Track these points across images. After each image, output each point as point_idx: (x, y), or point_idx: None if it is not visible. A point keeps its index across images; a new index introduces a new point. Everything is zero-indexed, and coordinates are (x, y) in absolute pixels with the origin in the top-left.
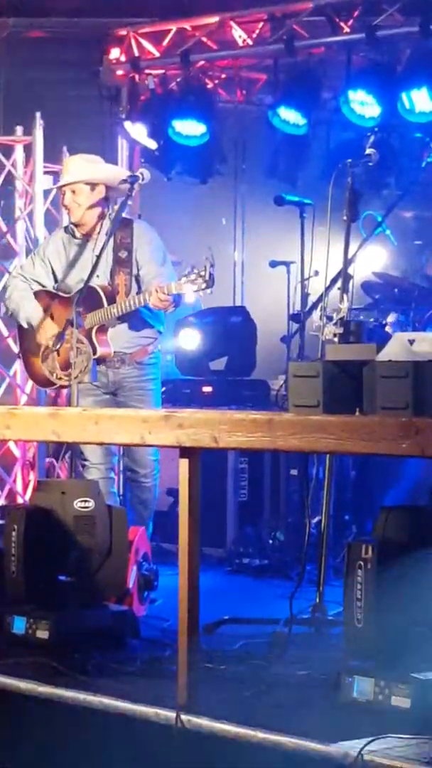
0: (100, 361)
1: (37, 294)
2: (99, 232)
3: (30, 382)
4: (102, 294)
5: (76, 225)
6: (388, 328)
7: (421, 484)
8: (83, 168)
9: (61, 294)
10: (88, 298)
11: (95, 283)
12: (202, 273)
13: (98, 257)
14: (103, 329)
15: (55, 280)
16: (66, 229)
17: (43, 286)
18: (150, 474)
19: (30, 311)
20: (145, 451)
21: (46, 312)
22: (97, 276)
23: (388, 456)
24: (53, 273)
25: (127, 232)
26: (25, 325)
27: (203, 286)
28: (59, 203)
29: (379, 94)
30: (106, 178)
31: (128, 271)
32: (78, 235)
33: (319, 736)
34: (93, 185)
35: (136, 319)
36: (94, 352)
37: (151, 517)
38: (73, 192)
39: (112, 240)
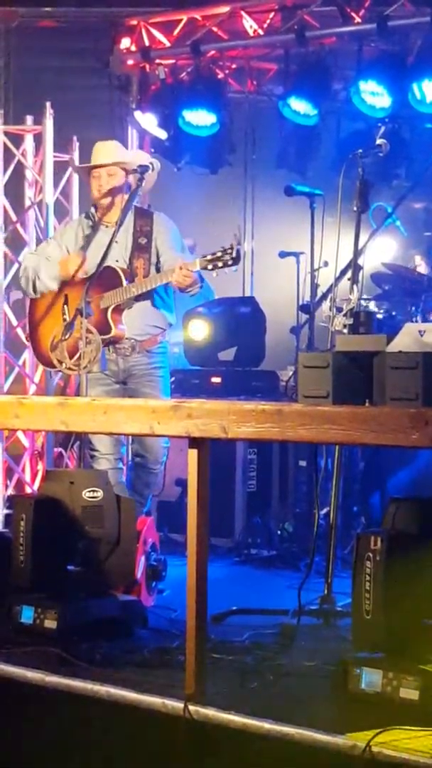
0: (113, 342)
1: None
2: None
3: (39, 371)
4: (121, 274)
5: (104, 209)
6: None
7: (428, 474)
8: (119, 151)
9: (76, 277)
10: (107, 279)
11: (115, 264)
12: (229, 249)
13: (111, 240)
14: (118, 309)
15: None
16: (87, 215)
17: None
18: (160, 460)
19: (47, 279)
20: (157, 438)
21: (60, 293)
22: (116, 261)
23: (397, 447)
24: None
25: (147, 221)
26: (38, 293)
27: (229, 262)
28: (86, 188)
29: (390, 84)
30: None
31: (147, 257)
32: (98, 219)
33: (326, 727)
34: (125, 170)
35: (150, 308)
36: (109, 331)
37: (150, 496)
38: (110, 175)
39: (132, 227)
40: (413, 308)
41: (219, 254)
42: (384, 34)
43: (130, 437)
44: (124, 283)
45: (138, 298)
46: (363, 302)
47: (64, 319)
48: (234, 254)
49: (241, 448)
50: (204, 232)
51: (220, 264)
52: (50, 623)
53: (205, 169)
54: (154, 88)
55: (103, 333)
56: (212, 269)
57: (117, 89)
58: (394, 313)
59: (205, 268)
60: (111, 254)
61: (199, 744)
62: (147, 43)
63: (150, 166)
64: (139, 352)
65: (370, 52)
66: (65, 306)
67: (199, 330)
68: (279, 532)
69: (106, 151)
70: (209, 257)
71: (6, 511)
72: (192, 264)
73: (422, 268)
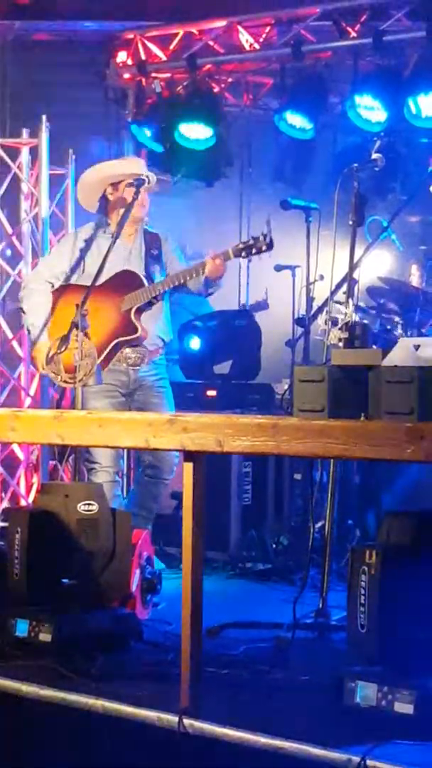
0: (137, 342)
1: (67, 288)
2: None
3: (34, 384)
4: (141, 275)
5: (128, 222)
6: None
7: (423, 487)
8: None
9: (86, 284)
10: (126, 281)
11: (132, 268)
12: (261, 236)
13: (110, 247)
14: (139, 311)
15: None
16: (99, 225)
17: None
18: (173, 470)
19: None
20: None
21: (69, 298)
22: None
23: (392, 461)
24: (83, 265)
25: (154, 235)
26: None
27: (263, 248)
28: (112, 204)
29: (386, 99)
30: None
31: (160, 265)
32: (112, 231)
33: (321, 741)
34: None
35: (161, 319)
36: (135, 331)
37: (156, 510)
38: (146, 190)
39: (143, 240)
40: (408, 322)
41: (251, 242)
42: (380, 48)
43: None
44: (146, 283)
45: (154, 300)
46: (357, 315)
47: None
48: (267, 240)
49: (236, 461)
50: (199, 246)
51: (253, 251)
52: (45, 636)
53: (201, 182)
54: (151, 101)
55: (129, 334)
56: (245, 256)
57: (113, 103)
58: (389, 327)
59: (239, 256)
60: (129, 264)
61: (194, 758)
62: (143, 56)
63: (146, 179)
64: (147, 363)
65: (366, 67)
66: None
67: (195, 343)
68: (274, 545)
69: (141, 166)
70: (241, 245)
71: (1, 524)
72: (225, 253)
73: (415, 279)
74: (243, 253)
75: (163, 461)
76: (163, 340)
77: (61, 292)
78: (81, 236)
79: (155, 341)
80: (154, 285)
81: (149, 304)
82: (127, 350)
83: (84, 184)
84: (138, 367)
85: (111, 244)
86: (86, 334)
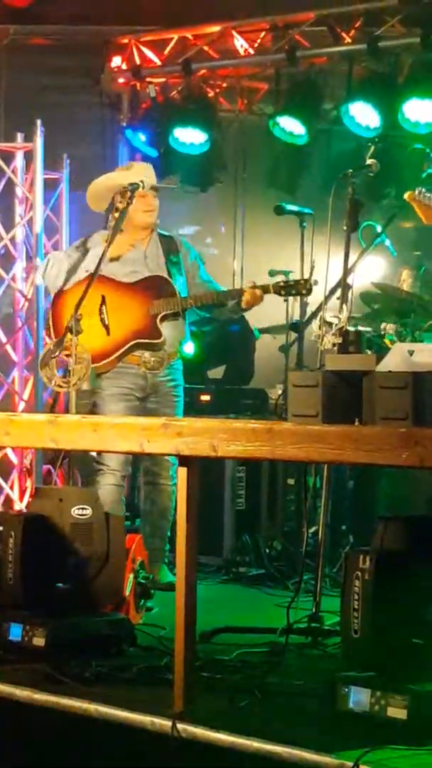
0: (157, 347)
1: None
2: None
3: (28, 388)
4: (174, 286)
5: (138, 228)
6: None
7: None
8: None
9: (117, 279)
10: (156, 287)
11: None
12: (303, 281)
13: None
14: (165, 317)
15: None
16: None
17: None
18: (170, 474)
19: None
20: None
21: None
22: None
23: (387, 467)
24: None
25: (170, 240)
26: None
27: (303, 291)
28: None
29: (380, 104)
30: None
31: (180, 274)
32: (124, 237)
33: (314, 746)
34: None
35: (181, 323)
36: (159, 336)
37: (168, 530)
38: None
39: (158, 244)
40: (403, 328)
41: (293, 283)
42: (374, 54)
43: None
44: (178, 293)
45: (181, 311)
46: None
47: (102, 320)
48: (308, 287)
49: (230, 466)
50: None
51: (293, 291)
52: (39, 641)
53: (196, 187)
54: (145, 106)
55: (151, 338)
56: (284, 295)
57: (108, 107)
58: (383, 333)
59: (278, 293)
60: (147, 268)
61: (187, 762)
62: (138, 61)
63: (140, 183)
64: (165, 367)
65: (361, 72)
66: (103, 306)
67: (189, 348)
68: (268, 550)
69: (151, 173)
70: (282, 284)
71: None
72: (265, 287)
73: (407, 284)
74: (282, 292)
75: (161, 464)
76: (179, 344)
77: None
78: (95, 239)
79: (174, 345)
80: (186, 299)
81: (175, 315)
82: (146, 354)
83: (92, 193)
84: (156, 372)
85: (105, 249)
86: (106, 327)
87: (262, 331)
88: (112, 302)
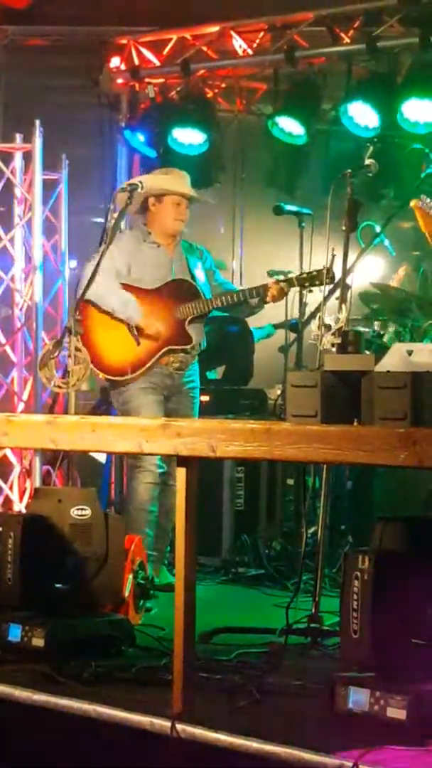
0: (188, 350)
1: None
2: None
3: (27, 389)
4: (198, 289)
5: (166, 234)
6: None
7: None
8: None
9: (146, 288)
10: (181, 291)
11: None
12: (323, 269)
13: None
14: (192, 321)
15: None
16: (140, 233)
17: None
18: None
19: (125, 297)
20: None
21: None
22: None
23: (385, 466)
24: (129, 270)
25: (195, 249)
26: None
27: (326, 281)
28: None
29: (379, 104)
30: None
31: (204, 280)
32: (152, 240)
33: (314, 746)
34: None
35: (203, 329)
36: (190, 341)
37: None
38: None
39: (183, 252)
40: (402, 328)
41: (315, 273)
42: (373, 54)
43: None
44: (202, 295)
45: (207, 313)
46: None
47: (130, 329)
48: (331, 275)
49: (229, 466)
50: None
51: (317, 282)
52: (38, 641)
53: (194, 187)
54: (144, 106)
55: (182, 343)
56: (307, 286)
57: (106, 108)
58: (382, 333)
59: (302, 286)
60: (175, 274)
61: (187, 763)
62: (137, 61)
63: (139, 184)
64: (189, 367)
65: (359, 72)
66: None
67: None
68: (267, 550)
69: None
70: (305, 275)
71: None
72: (289, 280)
73: (396, 281)
74: (306, 284)
75: (174, 464)
76: (200, 347)
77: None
78: (126, 241)
79: (196, 348)
80: (210, 300)
81: (201, 317)
82: (173, 355)
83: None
84: (181, 373)
85: (104, 249)
86: (135, 337)
87: (277, 326)
88: (153, 313)
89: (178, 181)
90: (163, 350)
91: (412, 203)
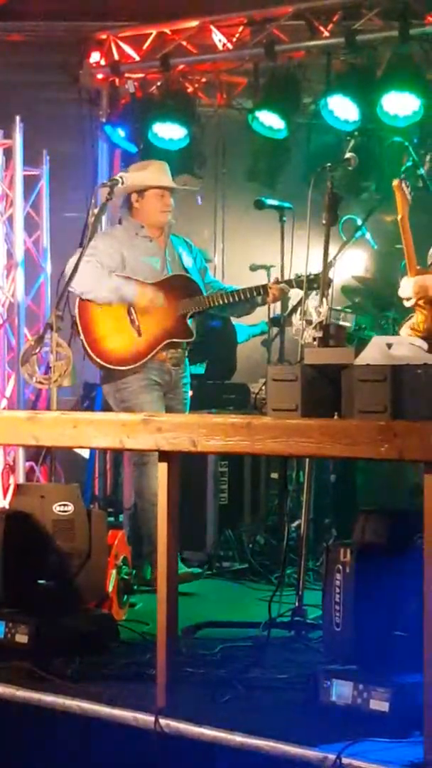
0: (185, 345)
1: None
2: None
3: (10, 385)
4: (198, 284)
5: (155, 226)
6: None
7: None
8: None
9: (141, 280)
10: (184, 286)
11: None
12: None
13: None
14: (192, 316)
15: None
16: (132, 227)
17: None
18: None
19: (115, 283)
20: None
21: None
22: (170, 272)
23: (366, 459)
24: (123, 262)
25: (184, 241)
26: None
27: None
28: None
29: (359, 98)
30: None
31: (196, 274)
32: (145, 234)
33: (297, 739)
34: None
35: (195, 322)
36: (191, 335)
37: None
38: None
39: (172, 245)
40: (383, 321)
41: (313, 277)
42: (352, 47)
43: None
44: (203, 291)
45: (207, 309)
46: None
47: (132, 321)
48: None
49: (212, 461)
50: None
51: (315, 285)
52: (21, 638)
53: (175, 173)
54: (124, 101)
55: (184, 337)
56: (305, 288)
57: (87, 103)
58: (363, 326)
59: (300, 287)
60: (166, 267)
61: (171, 757)
62: (116, 57)
63: (120, 180)
64: (183, 363)
65: (339, 66)
66: (131, 308)
67: None
68: (250, 544)
69: (168, 172)
70: (303, 277)
71: None
72: (289, 281)
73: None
74: (305, 286)
75: None
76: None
77: None
78: (119, 236)
79: (191, 344)
80: (212, 297)
81: (199, 313)
82: (171, 350)
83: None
84: (178, 368)
85: (85, 245)
86: (137, 329)
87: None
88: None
89: (158, 174)
90: (164, 343)
91: (395, 182)
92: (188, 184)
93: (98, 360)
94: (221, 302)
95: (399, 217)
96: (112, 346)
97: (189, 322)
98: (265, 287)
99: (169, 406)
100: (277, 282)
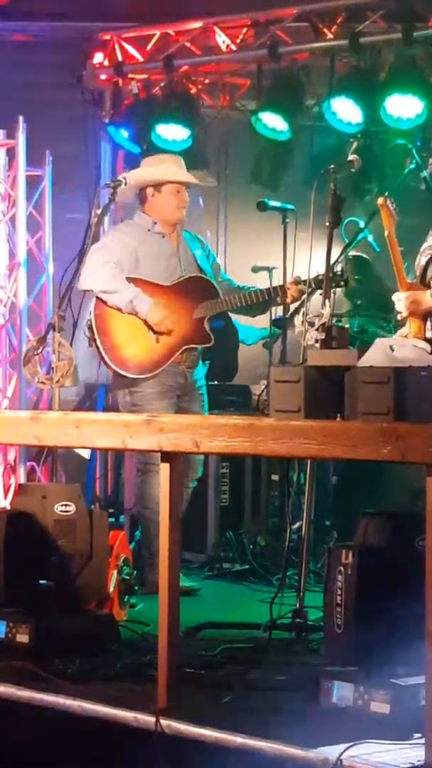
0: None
1: (134, 281)
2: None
3: (12, 385)
4: (216, 286)
5: (168, 223)
6: None
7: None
8: None
9: (156, 282)
10: (202, 288)
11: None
12: (339, 273)
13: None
14: (209, 320)
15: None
16: (144, 223)
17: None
18: (196, 476)
19: (130, 295)
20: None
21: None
22: (184, 270)
23: (369, 461)
24: (137, 260)
25: (196, 239)
26: (124, 308)
27: (341, 283)
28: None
29: (362, 100)
30: None
31: (209, 273)
32: (158, 230)
33: (298, 741)
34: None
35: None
36: (209, 340)
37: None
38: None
39: (185, 243)
40: (386, 323)
41: (331, 275)
42: (356, 50)
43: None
44: (220, 294)
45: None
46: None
47: (150, 327)
48: (345, 277)
49: (214, 462)
50: None
51: (332, 284)
52: (22, 638)
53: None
54: (127, 102)
55: (202, 342)
56: (322, 289)
57: (90, 104)
58: (366, 328)
59: (319, 288)
60: (180, 266)
61: (171, 758)
62: (120, 57)
63: (123, 180)
64: (198, 364)
65: (343, 68)
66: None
67: None
68: (251, 546)
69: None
70: (321, 277)
71: None
72: (306, 282)
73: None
74: (323, 285)
75: (191, 465)
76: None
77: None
78: (132, 232)
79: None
80: (230, 299)
81: (218, 315)
82: (187, 353)
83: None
84: (193, 370)
85: (88, 245)
86: (156, 337)
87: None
88: (167, 306)
89: (176, 169)
90: (183, 348)
91: (379, 201)
92: (204, 180)
93: (117, 368)
94: (239, 304)
95: (386, 233)
96: (130, 354)
97: (208, 326)
98: (283, 288)
99: (185, 408)
100: (295, 282)
